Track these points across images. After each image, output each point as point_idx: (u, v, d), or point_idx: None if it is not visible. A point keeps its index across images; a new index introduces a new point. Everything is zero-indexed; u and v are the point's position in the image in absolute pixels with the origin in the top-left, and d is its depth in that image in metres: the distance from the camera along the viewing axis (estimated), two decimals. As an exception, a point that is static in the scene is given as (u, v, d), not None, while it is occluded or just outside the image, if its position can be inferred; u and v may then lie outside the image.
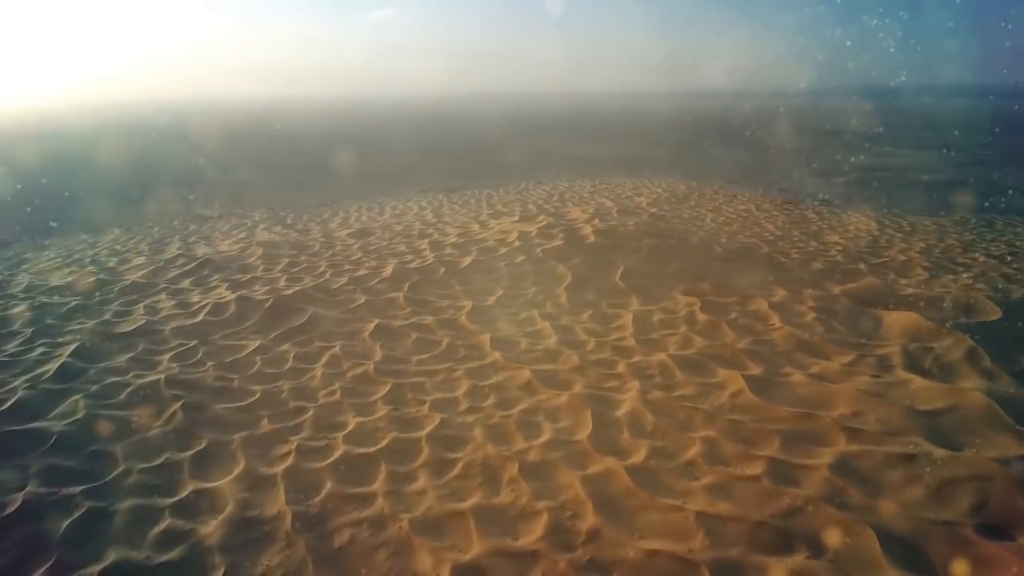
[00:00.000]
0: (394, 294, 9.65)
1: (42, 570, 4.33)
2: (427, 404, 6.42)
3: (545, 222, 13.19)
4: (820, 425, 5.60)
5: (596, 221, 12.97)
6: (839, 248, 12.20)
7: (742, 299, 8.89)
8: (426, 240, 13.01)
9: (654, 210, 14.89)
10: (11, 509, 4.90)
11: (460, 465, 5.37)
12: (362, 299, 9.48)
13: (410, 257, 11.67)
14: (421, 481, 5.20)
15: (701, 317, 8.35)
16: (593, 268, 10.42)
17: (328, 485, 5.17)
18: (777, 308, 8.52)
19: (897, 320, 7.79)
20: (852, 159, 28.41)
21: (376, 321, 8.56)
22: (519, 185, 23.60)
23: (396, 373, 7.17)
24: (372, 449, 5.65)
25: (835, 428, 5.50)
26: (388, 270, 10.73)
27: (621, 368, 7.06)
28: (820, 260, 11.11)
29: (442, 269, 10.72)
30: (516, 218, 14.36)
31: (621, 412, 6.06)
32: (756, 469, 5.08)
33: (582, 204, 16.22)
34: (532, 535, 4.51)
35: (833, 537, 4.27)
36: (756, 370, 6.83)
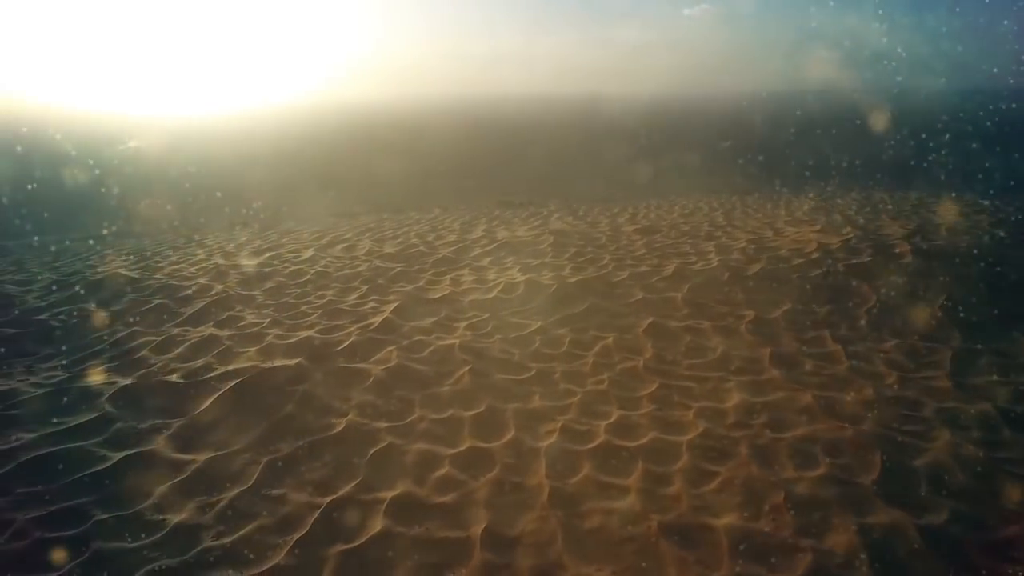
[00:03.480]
0: (673, 294, 9.52)
1: (350, 486, 5.24)
2: (692, 410, 6.24)
3: (852, 234, 11.79)
4: None
5: (916, 239, 11.21)
6: None
7: (1119, 354, 6.95)
8: (712, 243, 12.56)
9: (1000, 232, 12.32)
10: (336, 430, 6.01)
11: (719, 479, 5.13)
12: (640, 295, 9.55)
13: (694, 258, 11.39)
14: (676, 486, 5.09)
15: (1052, 368, 6.74)
16: (906, 292, 9.04)
17: (585, 469, 5.35)
18: None
19: None
20: None
21: (651, 319, 8.55)
22: (824, 191, 21.43)
23: (665, 373, 7.10)
24: (631, 444, 5.69)
25: None
26: (670, 269, 10.62)
27: (928, 411, 6.05)
28: None
29: (726, 274, 10.25)
30: (818, 228, 13.08)
31: (921, 461, 5.20)
32: (1110, 572, 3.97)
33: (901, 218, 14.13)
34: (790, 573, 4.13)
35: None
36: None
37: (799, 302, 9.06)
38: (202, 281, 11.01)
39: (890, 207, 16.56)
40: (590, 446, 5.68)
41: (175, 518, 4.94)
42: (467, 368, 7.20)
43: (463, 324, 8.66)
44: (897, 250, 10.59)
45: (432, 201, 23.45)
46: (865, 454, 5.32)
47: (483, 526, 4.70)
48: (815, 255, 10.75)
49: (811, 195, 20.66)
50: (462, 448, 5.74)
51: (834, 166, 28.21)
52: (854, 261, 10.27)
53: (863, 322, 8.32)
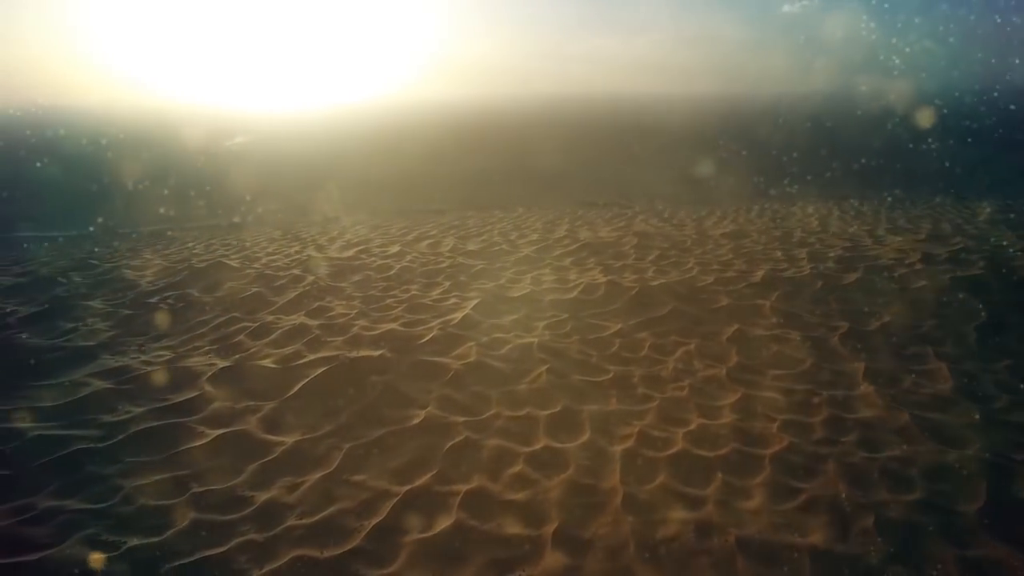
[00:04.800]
0: (760, 301, 9.18)
1: (427, 476, 5.36)
2: (777, 423, 6.00)
3: (961, 244, 11.01)
4: None
5: (1039, 251, 10.32)
6: None
7: None
8: (805, 249, 12.02)
9: None
10: (415, 422, 6.17)
11: (804, 497, 4.91)
12: (725, 301, 9.26)
13: (785, 265, 10.94)
14: (757, 500, 4.91)
15: None
16: (1021, 308, 8.34)
17: (661, 476, 5.25)
18: None
19: None
20: None
21: (736, 326, 8.28)
22: (932, 200, 20.07)
23: (749, 383, 6.86)
24: (711, 454, 5.54)
25: None
26: (758, 275, 10.24)
27: (1043, 440, 5.56)
28: None
29: (819, 283, 9.79)
30: (922, 236, 12.29)
31: (1033, 494, 4.79)
32: None
33: (1019, 229, 13.04)
34: (879, 601, 3.90)
35: None
36: None
37: (899, 315, 8.53)
38: (295, 272, 11.55)
39: (1010, 216, 15.32)
40: (667, 453, 5.57)
41: (263, 496, 5.21)
42: (544, 367, 7.21)
43: (542, 323, 8.68)
44: (1013, 263, 9.79)
45: (516, 200, 23.62)
46: (968, 481, 4.96)
47: (555, 526, 4.70)
48: (919, 265, 10.10)
49: (917, 202, 19.42)
50: (537, 447, 5.76)
51: (946, 172, 26.40)
52: (962, 273, 9.57)
53: (971, 339, 7.74)
